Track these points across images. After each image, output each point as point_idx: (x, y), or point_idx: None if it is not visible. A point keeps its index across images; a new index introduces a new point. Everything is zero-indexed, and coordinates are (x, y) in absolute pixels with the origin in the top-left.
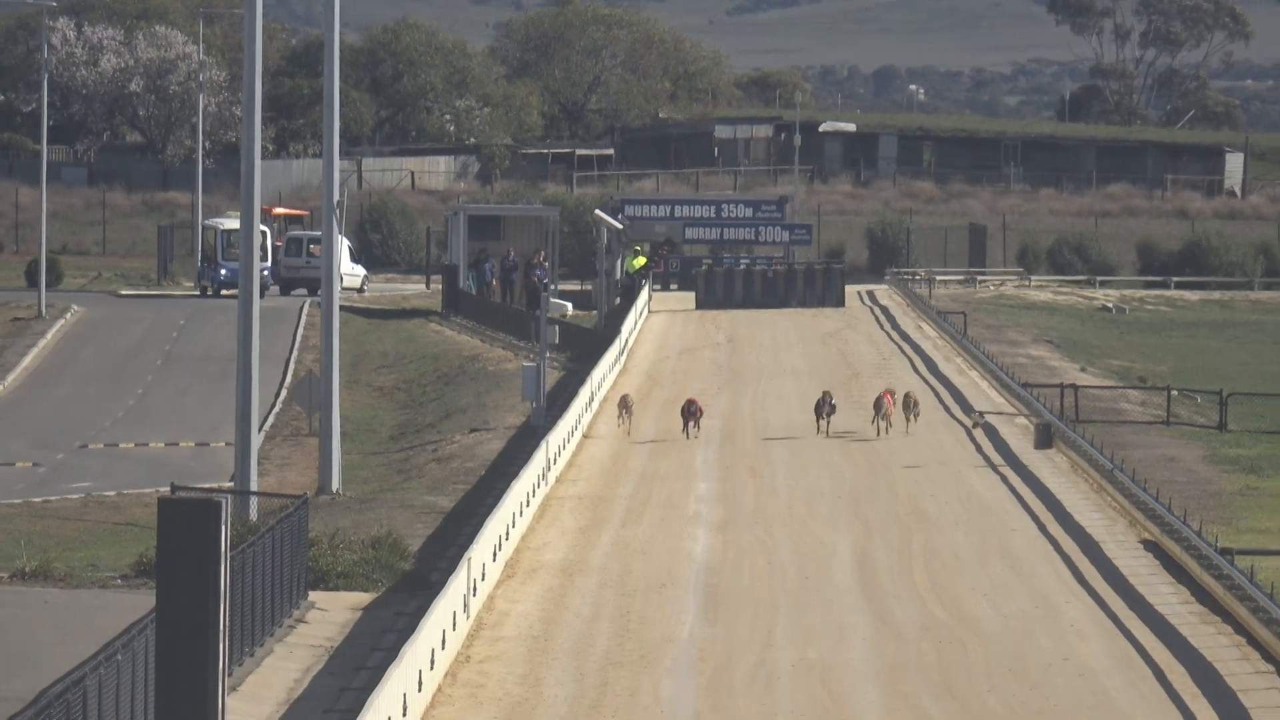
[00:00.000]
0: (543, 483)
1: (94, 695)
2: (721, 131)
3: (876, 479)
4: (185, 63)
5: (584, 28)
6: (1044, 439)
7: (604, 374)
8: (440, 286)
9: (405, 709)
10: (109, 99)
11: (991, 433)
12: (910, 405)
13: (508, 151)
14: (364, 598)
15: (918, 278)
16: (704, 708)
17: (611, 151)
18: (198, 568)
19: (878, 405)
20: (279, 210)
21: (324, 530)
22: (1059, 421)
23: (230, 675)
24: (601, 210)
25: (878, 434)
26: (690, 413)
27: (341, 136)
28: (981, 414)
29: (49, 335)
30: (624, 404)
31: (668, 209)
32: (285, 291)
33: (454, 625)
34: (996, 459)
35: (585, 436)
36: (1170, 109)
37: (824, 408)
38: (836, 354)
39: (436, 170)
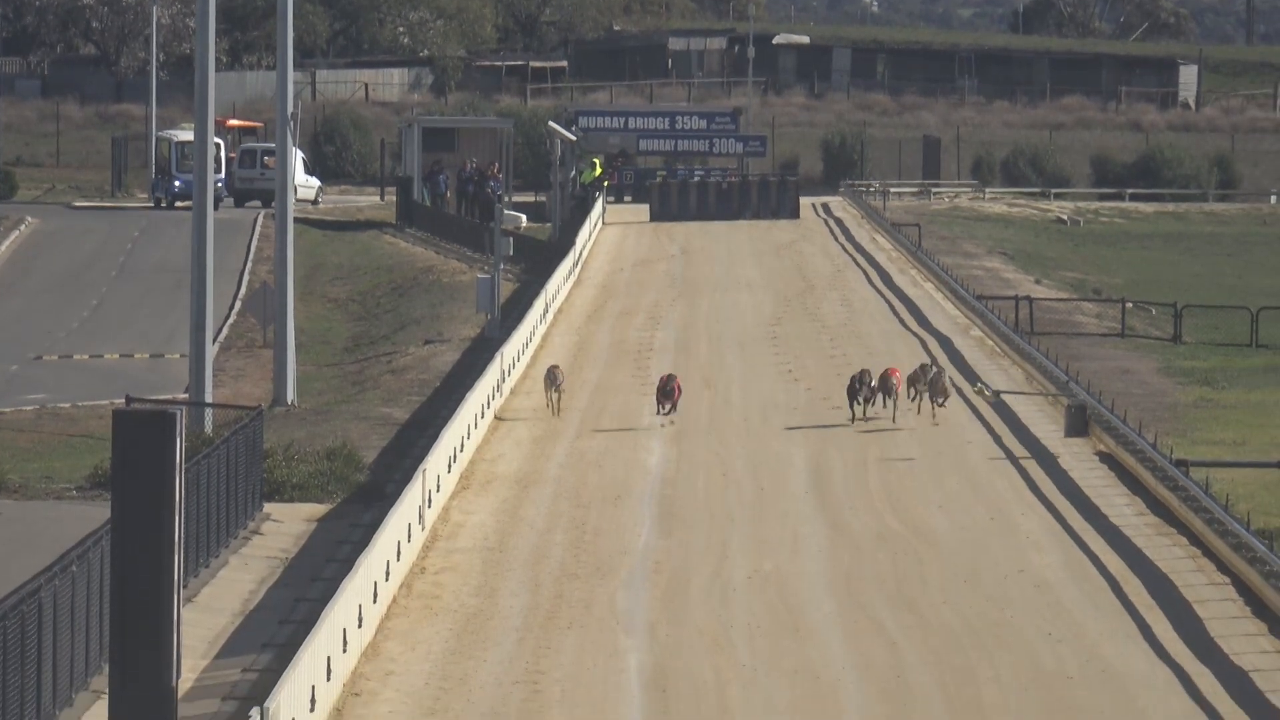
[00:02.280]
0: (497, 394)
1: (49, 607)
2: (675, 44)
3: (831, 389)
4: None
5: None
6: (1078, 424)
7: (558, 286)
8: (394, 198)
9: (360, 620)
10: (62, 11)
11: (946, 344)
12: (936, 388)
13: (461, 64)
14: (319, 509)
15: (872, 190)
16: (659, 619)
17: (565, 64)
18: (153, 480)
19: (885, 386)
20: (233, 122)
21: (279, 442)
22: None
23: (185, 587)
24: (555, 122)
25: (894, 420)
26: (667, 392)
27: (295, 49)
28: (996, 393)
29: (2, 247)
30: (551, 378)
31: (621, 121)
32: (239, 203)
33: (409, 537)
34: (952, 372)
35: (539, 348)
36: (1123, 21)
37: (862, 390)
38: (791, 266)
39: (390, 83)
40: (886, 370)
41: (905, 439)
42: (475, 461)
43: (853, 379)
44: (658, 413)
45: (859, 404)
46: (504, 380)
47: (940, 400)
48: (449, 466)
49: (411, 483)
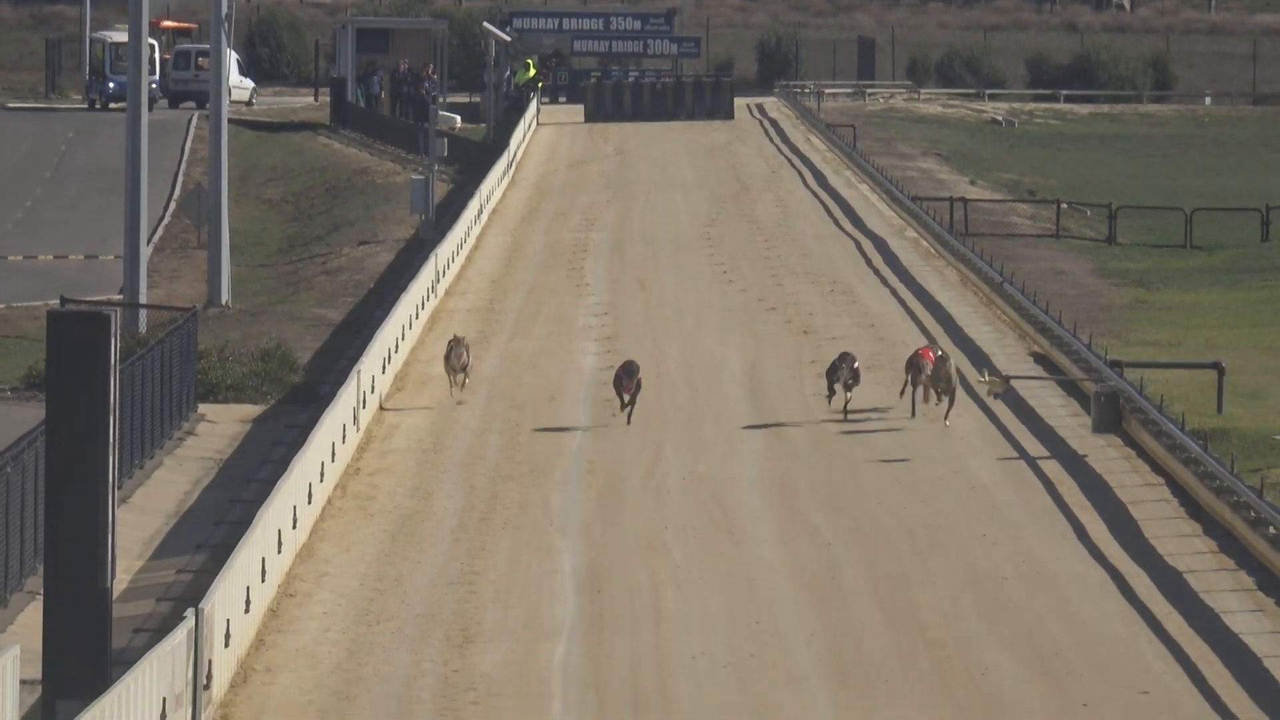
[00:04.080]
0: (432, 295)
1: None
2: None
3: (765, 290)
4: None
5: None
6: (1108, 418)
7: (493, 187)
8: (328, 100)
9: (295, 522)
10: None
11: (881, 246)
12: (941, 376)
13: None
14: (253, 410)
15: (807, 91)
16: (593, 520)
17: None
18: (87, 381)
19: (915, 367)
20: (167, 23)
21: (213, 343)
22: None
23: (120, 488)
24: (489, 23)
25: (913, 414)
26: (624, 381)
27: None
28: (1007, 379)
29: None
30: (452, 354)
31: (556, 21)
32: (173, 105)
33: (343, 438)
34: (886, 273)
35: (474, 249)
36: None
37: (842, 374)
38: (726, 167)
39: None
40: (918, 352)
41: (839, 341)
42: (410, 362)
43: (833, 364)
44: (622, 407)
45: (839, 389)
46: (438, 281)
47: (941, 393)
48: (383, 367)
49: (346, 384)
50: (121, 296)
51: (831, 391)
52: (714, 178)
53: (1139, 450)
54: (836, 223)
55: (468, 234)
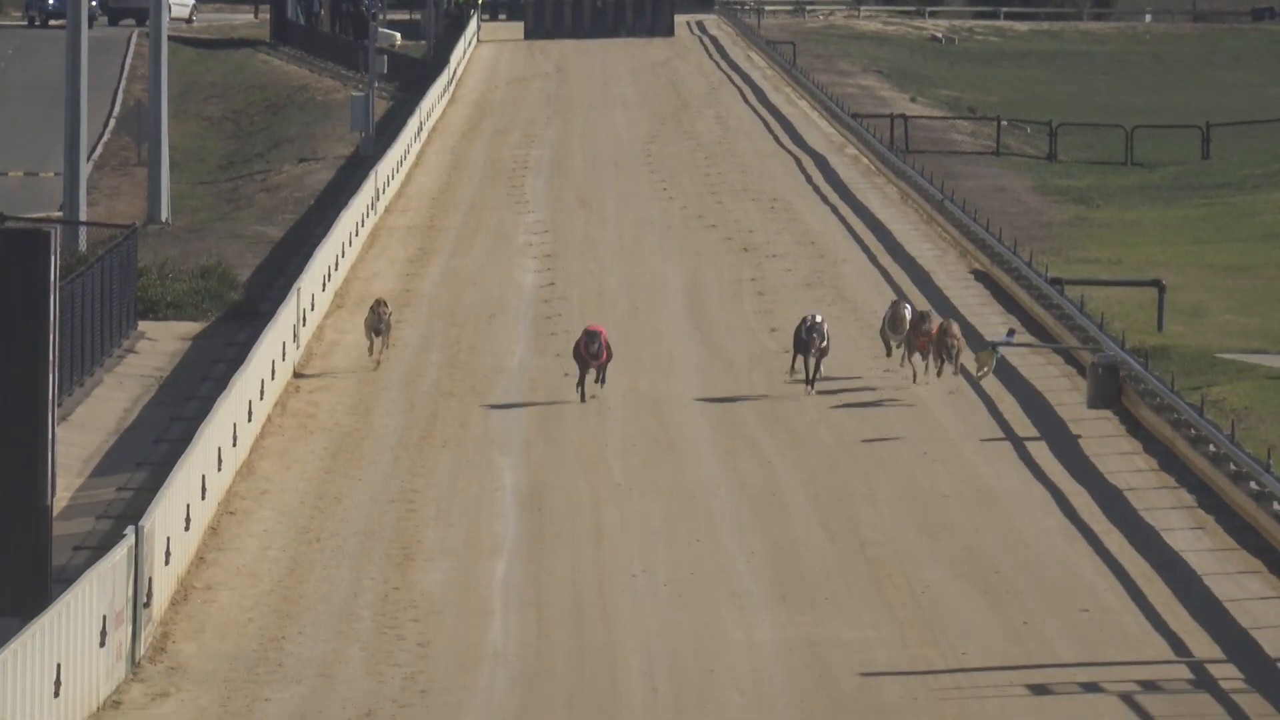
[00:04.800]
0: (372, 212)
1: None
2: None
3: (706, 208)
4: None
5: None
6: (1105, 390)
7: (433, 104)
8: (269, 17)
9: (235, 439)
10: None
11: (822, 163)
12: (945, 345)
13: None
14: (193, 327)
15: (747, 7)
16: (534, 437)
17: None
18: (27, 298)
19: (915, 326)
20: None
21: (153, 260)
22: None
23: (60, 405)
24: None
25: (915, 379)
26: (594, 353)
27: None
28: (994, 349)
29: None
30: (375, 318)
31: None
32: (113, 22)
33: (284, 355)
34: (827, 190)
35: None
36: None
37: (809, 341)
38: (666, 84)
39: None
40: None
41: (780, 258)
42: (350, 280)
43: (799, 334)
44: (579, 384)
45: (810, 360)
46: (378, 199)
47: (946, 359)
48: (323, 285)
49: (286, 301)
50: (61, 214)
51: (794, 363)
52: (654, 95)
53: (1079, 368)
54: (777, 140)
55: (408, 151)
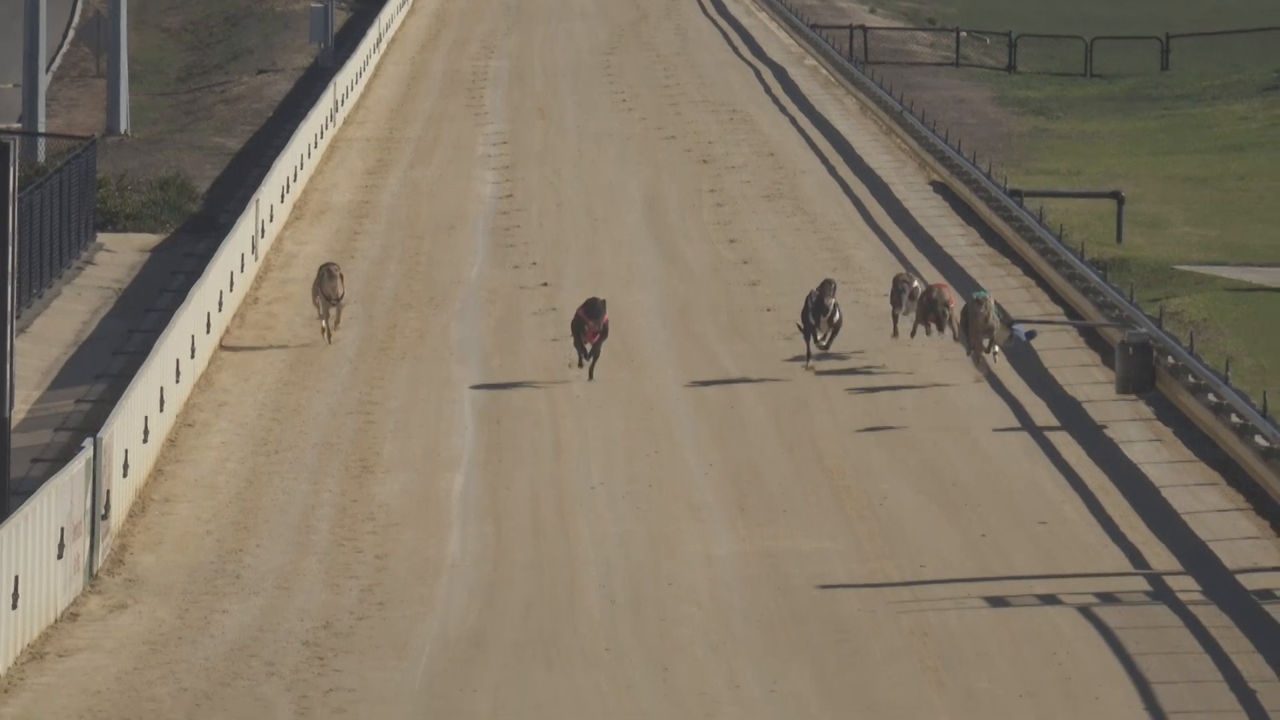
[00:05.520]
0: (330, 124)
1: None
2: None
3: (665, 119)
4: None
5: None
6: (1137, 372)
7: (392, 15)
8: None
9: (194, 351)
10: None
11: (780, 74)
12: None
13: None
14: (152, 239)
15: None
16: (492, 349)
17: None
18: None
19: (936, 313)
20: None
21: (112, 172)
22: (865, 78)
23: (18, 317)
24: None
25: (911, 333)
26: (587, 325)
27: None
28: (1009, 326)
29: None
30: (323, 284)
31: None
32: None
33: (242, 267)
34: (785, 101)
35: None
36: None
37: (820, 316)
38: None
39: None
40: (933, 287)
41: (740, 169)
42: (309, 191)
43: (808, 308)
44: (582, 360)
45: (816, 338)
46: (337, 110)
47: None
48: (282, 196)
49: (245, 213)
50: (20, 125)
51: (809, 340)
52: (613, 6)
53: (1039, 280)
54: (736, 51)
55: (367, 62)
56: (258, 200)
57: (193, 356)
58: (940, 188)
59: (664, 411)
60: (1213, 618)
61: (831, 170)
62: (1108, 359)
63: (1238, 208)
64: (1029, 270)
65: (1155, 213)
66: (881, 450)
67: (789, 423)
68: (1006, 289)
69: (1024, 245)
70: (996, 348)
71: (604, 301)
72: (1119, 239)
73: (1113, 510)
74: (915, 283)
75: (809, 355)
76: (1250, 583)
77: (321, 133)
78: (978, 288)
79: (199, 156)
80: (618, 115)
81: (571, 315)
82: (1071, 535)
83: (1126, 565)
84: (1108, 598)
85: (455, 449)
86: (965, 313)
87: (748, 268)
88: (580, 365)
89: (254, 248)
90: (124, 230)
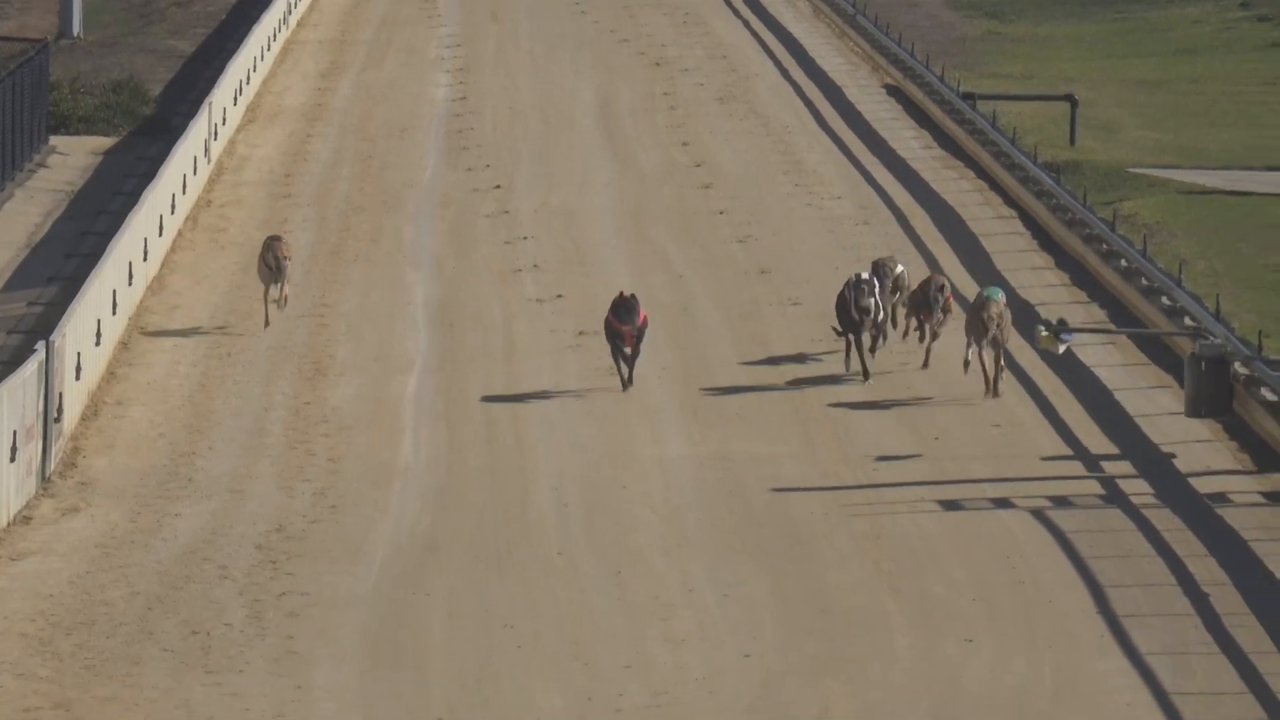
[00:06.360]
0: (284, 27)
1: None
2: None
3: (618, 22)
4: None
5: None
6: (1212, 394)
7: None
8: None
9: (146, 253)
10: None
11: None
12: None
13: None
14: (105, 142)
15: None
16: (446, 252)
17: None
18: None
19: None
20: None
21: (65, 75)
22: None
23: None
24: None
25: (925, 362)
26: (624, 327)
27: None
28: (1058, 333)
29: None
30: (268, 256)
31: None
32: None
33: (194, 170)
34: (738, 3)
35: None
36: None
37: (866, 319)
38: None
39: None
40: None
41: (693, 73)
42: (261, 94)
43: (843, 295)
44: (622, 366)
45: (866, 344)
46: (290, 12)
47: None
48: (235, 99)
49: (198, 115)
50: None
51: (850, 346)
52: None
53: (992, 183)
54: None
55: None
56: (211, 103)
57: (145, 259)
58: (893, 91)
59: None
60: (1166, 521)
61: (785, 73)
62: (1061, 262)
63: (1191, 111)
64: (982, 173)
65: (1108, 116)
66: (835, 356)
67: (742, 327)
68: (960, 192)
69: (977, 148)
70: (1003, 366)
71: (634, 297)
72: (1072, 142)
73: (1066, 414)
74: (946, 286)
75: (865, 370)
76: (1203, 486)
77: (274, 35)
78: (989, 284)
79: (152, 59)
80: (571, 19)
81: (529, 220)
82: (1025, 439)
83: (1080, 469)
84: (1061, 501)
85: (408, 352)
86: (970, 310)
87: (701, 171)
88: (624, 382)
89: (207, 150)
90: (77, 133)
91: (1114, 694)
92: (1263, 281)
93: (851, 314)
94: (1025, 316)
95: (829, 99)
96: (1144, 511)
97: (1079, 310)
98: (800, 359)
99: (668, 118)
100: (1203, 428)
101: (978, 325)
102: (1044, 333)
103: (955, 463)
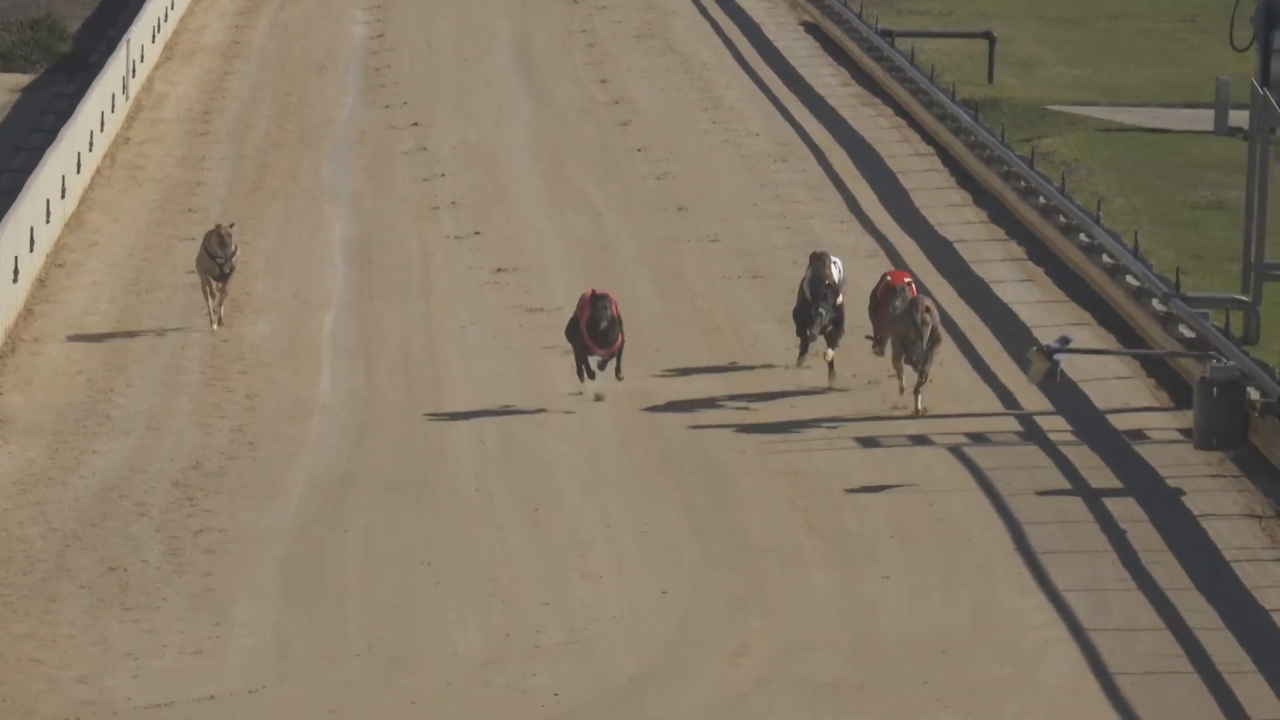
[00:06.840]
0: None
1: None
2: None
3: None
4: None
5: None
6: (1224, 422)
7: None
8: None
9: (64, 191)
10: None
11: None
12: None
13: None
14: (22, 79)
15: None
16: (364, 188)
17: None
18: None
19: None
20: None
21: None
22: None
23: None
24: None
25: (901, 390)
26: (601, 336)
27: None
28: (1051, 356)
29: None
30: (209, 249)
31: None
32: None
33: (113, 107)
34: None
35: None
36: None
37: (818, 319)
38: None
39: None
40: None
41: (610, 9)
42: (180, 31)
43: (803, 301)
44: (580, 375)
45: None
46: None
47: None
48: (153, 36)
49: (116, 53)
50: None
51: (805, 343)
52: None
53: (910, 120)
54: None
55: None
56: (129, 40)
57: (63, 196)
58: (811, 28)
59: (535, 251)
60: (1084, 458)
61: (703, 11)
62: (979, 199)
63: (1109, 48)
64: (900, 110)
65: (1027, 53)
66: (753, 294)
67: (660, 264)
68: (877, 129)
69: (895, 85)
70: (930, 376)
71: (611, 304)
72: (990, 79)
73: (984, 350)
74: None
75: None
76: (1121, 423)
77: None
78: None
79: None
80: None
81: (447, 157)
82: (943, 376)
83: (997, 405)
84: (979, 438)
85: (326, 288)
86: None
87: (619, 108)
88: (586, 385)
89: (125, 88)
90: None
91: (1031, 631)
92: (1180, 219)
93: (813, 313)
94: (948, 258)
95: (747, 36)
96: (1062, 449)
97: (995, 246)
98: (718, 295)
99: (585, 55)
100: (1121, 364)
101: (909, 331)
102: (1034, 356)
103: (874, 398)
